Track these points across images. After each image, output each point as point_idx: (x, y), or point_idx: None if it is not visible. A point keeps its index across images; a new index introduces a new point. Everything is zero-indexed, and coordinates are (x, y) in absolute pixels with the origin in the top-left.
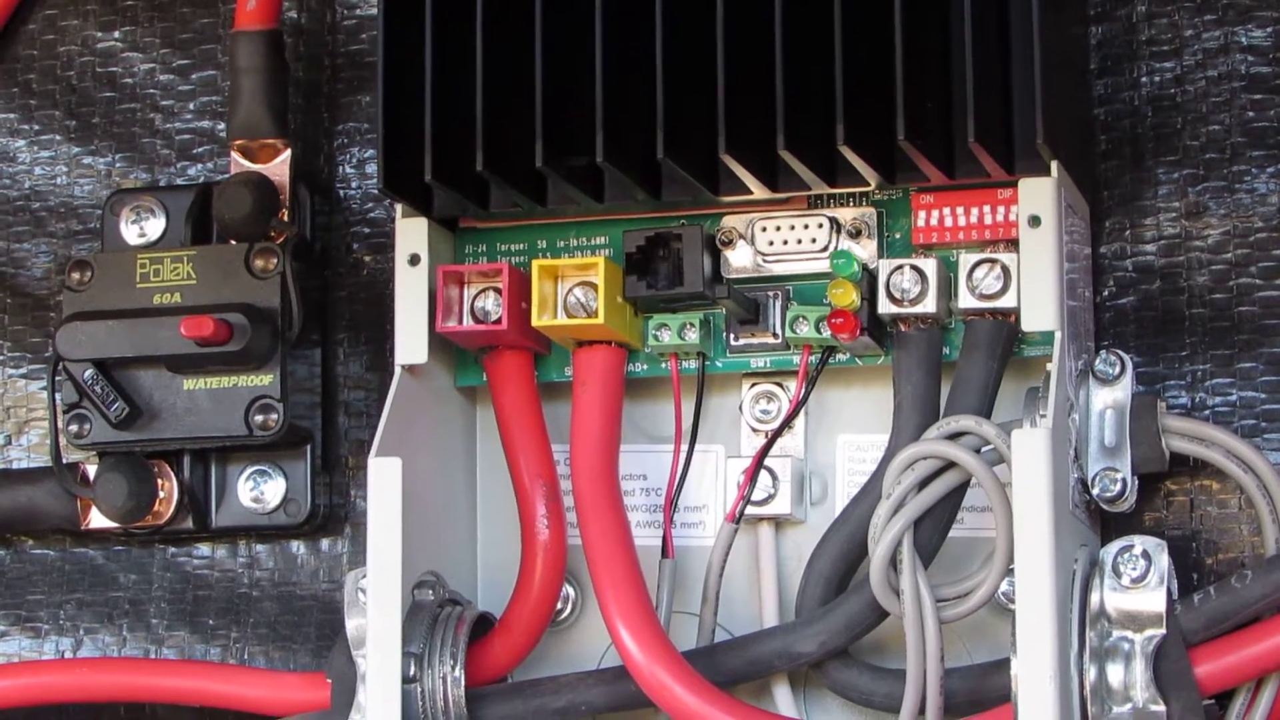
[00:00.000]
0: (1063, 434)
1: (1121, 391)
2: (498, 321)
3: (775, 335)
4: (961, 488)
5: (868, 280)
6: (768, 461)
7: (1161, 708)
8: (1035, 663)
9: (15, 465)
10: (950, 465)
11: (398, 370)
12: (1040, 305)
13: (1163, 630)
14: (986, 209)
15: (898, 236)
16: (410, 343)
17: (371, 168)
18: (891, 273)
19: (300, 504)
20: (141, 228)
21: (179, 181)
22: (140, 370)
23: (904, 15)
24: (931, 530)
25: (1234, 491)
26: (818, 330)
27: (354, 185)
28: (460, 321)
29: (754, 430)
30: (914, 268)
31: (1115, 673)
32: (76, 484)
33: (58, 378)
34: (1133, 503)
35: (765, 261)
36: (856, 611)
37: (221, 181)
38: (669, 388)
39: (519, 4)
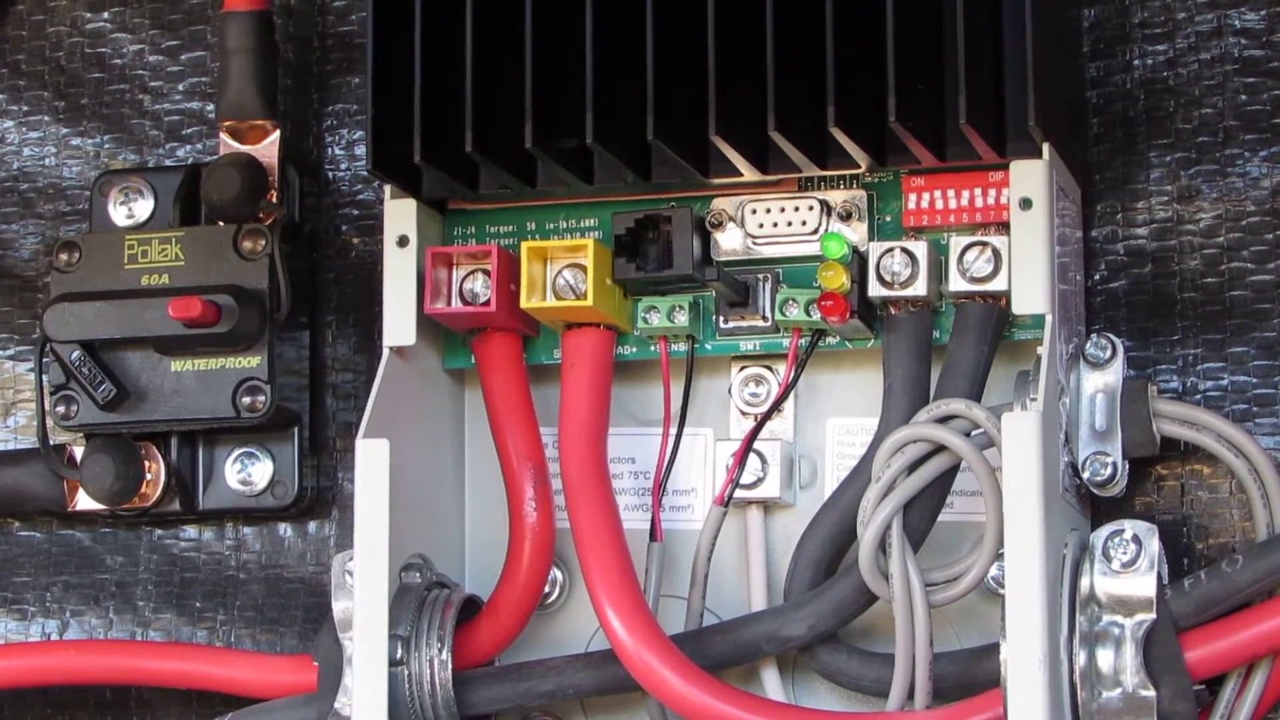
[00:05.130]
0: (1053, 418)
1: (1112, 375)
2: (486, 303)
3: (765, 318)
4: (951, 471)
5: (858, 263)
6: (757, 445)
7: (1151, 693)
8: (1025, 647)
9: (2, 447)
10: (940, 449)
11: (386, 352)
12: (1031, 288)
13: (1153, 615)
14: (977, 191)
15: (888, 219)
16: (398, 324)
17: (361, 149)
18: (882, 255)
19: (288, 486)
20: (130, 209)
21: (168, 163)
22: (128, 351)
23: None
24: (921, 514)
25: (1225, 476)
26: (807, 313)
27: (343, 167)
28: (449, 303)
29: (743, 413)
30: (904, 250)
31: (1105, 657)
32: (63, 466)
33: (45, 359)
34: (1123, 487)
35: (755, 244)
36: (845, 595)
37: (210, 163)
38: (658, 370)
39: None
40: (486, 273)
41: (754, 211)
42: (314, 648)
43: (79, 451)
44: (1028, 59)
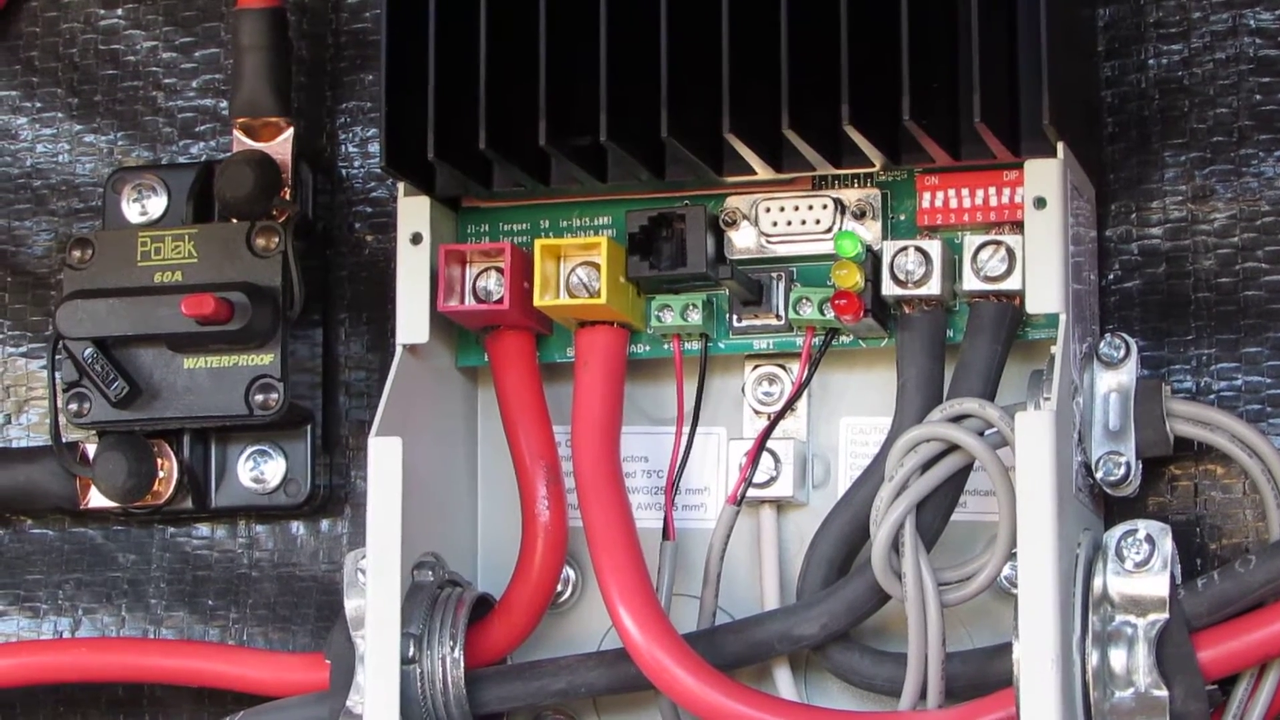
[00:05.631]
0: (1067, 417)
1: (1126, 375)
2: (500, 301)
3: (778, 317)
4: (964, 471)
5: (871, 262)
6: (770, 444)
7: (1164, 693)
8: (1037, 647)
9: (14, 444)
10: (953, 448)
11: (399, 350)
12: (1045, 288)
13: (1166, 615)
14: (991, 190)
15: (902, 218)
16: (412, 322)
17: (374, 147)
18: (895, 254)
19: (300, 484)
20: (143, 206)
21: (181, 160)
22: (141, 349)
23: None
24: (934, 513)
25: (1238, 476)
26: (821, 312)
27: (356, 164)
28: (462, 301)
29: (756, 412)
30: (918, 249)
31: (1118, 657)
32: (76, 463)
33: (58, 356)
34: (1136, 487)
35: (769, 242)
36: (858, 595)
37: (223, 160)
38: (671, 369)
39: None
40: (500, 270)
41: (768, 210)
42: (326, 646)
43: (91, 449)
44: (1042, 58)
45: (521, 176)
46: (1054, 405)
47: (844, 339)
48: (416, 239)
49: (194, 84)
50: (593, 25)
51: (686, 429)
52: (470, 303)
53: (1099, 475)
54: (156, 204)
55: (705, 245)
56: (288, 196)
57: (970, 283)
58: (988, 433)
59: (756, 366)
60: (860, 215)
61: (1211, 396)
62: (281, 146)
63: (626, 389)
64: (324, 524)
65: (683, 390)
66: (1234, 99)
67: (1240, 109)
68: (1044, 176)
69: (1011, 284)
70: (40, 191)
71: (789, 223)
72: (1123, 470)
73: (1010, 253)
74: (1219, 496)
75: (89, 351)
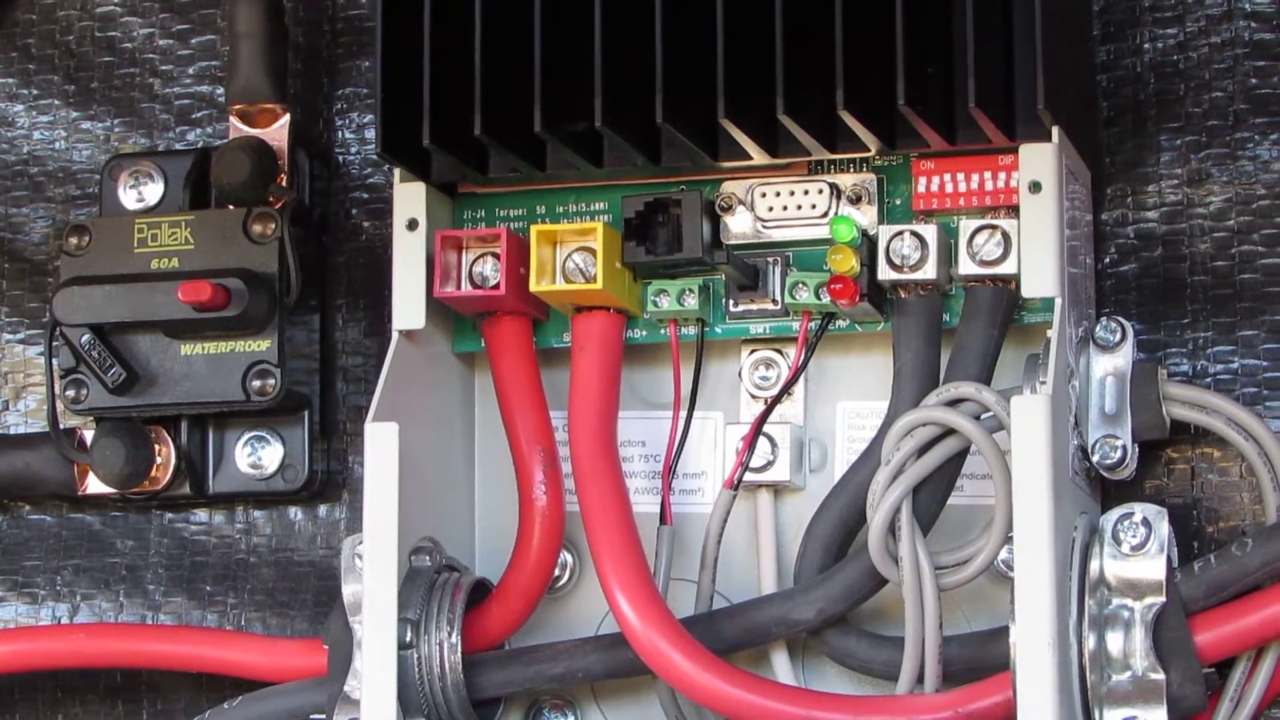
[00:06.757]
0: (1063, 401)
1: (1122, 358)
2: (496, 287)
3: (775, 301)
4: (961, 454)
5: (868, 246)
6: (767, 428)
7: (1161, 676)
8: (1034, 630)
9: (12, 431)
10: (950, 432)
11: (395, 335)
12: (1041, 272)
13: (1163, 598)
14: (987, 175)
15: (898, 202)
16: (408, 308)
17: (370, 133)
18: (892, 239)
19: (298, 470)
20: (140, 192)
21: (178, 146)
22: (138, 335)
23: None
24: (930, 497)
25: (1235, 459)
26: (817, 296)
27: (353, 150)
28: (458, 287)
29: (753, 397)
30: (914, 234)
31: (1115, 640)
32: (74, 449)
33: (55, 343)
34: (1133, 470)
35: (765, 227)
36: (855, 579)
37: (220, 146)
38: (668, 354)
39: None
40: (496, 256)
41: (764, 195)
42: (324, 631)
43: (89, 435)
44: (1038, 42)
45: (517, 162)
46: (1050, 389)
47: (840, 323)
48: (413, 225)
49: (190, 71)
50: (588, 10)
51: (683, 413)
52: (466, 288)
53: (1095, 459)
54: (153, 190)
55: (701, 230)
56: (284, 183)
57: (966, 267)
58: (984, 417)
59: (753, 351)
60: (856, 200)
61: (1208, 380)
62: (278, 133)
63: (623, 374)
64: (321, 509)
65: (679, 375)
66: (1229, 83)
67: (1235, 93)
68: (1039, 161)
69: (1007, 268)
70: (37, 178)
71: (785, 208)
72: (1119, 454)
73: (1006, 237)
74: (1215, 480)
75: (86, 338)
